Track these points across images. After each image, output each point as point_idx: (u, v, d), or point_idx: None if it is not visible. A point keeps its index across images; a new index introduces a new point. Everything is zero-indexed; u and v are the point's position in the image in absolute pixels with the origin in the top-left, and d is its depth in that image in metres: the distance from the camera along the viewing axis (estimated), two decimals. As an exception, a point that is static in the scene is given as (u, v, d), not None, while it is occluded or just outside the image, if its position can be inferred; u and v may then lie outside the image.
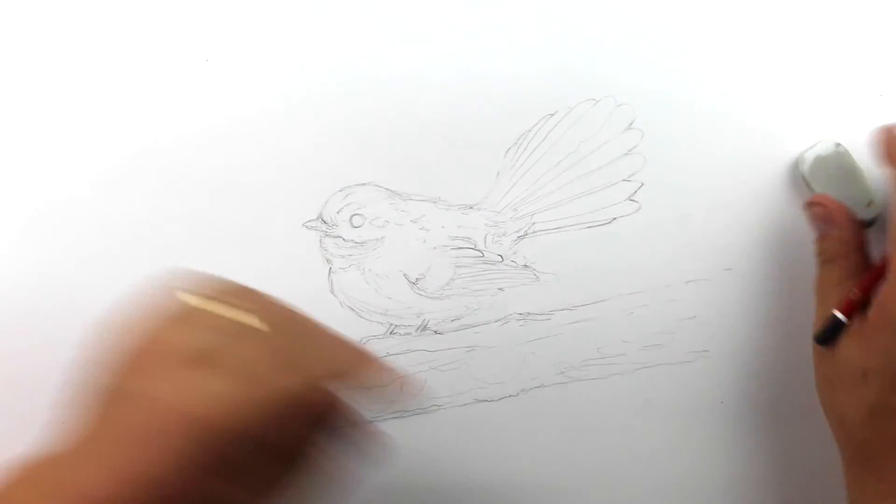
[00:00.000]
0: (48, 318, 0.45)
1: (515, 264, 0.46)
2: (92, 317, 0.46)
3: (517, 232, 0.47)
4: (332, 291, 0.46)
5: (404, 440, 0.46)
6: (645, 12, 0.46)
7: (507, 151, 0.46)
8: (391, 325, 0.46)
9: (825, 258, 0.43)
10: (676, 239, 0.47)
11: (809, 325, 0.46)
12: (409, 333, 0.46)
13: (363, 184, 0.46)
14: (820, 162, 0.45)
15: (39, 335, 0.45)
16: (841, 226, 0.43)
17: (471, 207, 0.46)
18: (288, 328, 0.33)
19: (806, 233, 0.46)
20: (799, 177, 0.46)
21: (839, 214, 0.43)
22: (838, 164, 0.45)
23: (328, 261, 0.46)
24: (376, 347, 0.46)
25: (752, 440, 0.48)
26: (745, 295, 0.47)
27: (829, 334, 0.38)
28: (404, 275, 0.46)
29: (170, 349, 0.31)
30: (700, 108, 0.46)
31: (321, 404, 0.32)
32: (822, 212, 0.43)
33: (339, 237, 0.46)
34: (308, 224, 0.46)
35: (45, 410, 0.42)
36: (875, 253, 0.44)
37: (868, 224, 0.45)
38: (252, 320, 0.32)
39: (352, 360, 0.34)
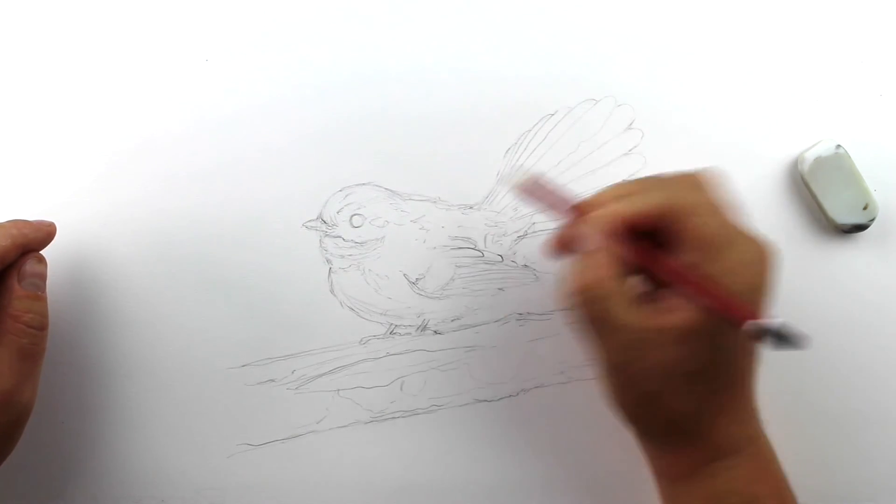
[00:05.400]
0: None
1: (515, 264, 0.47)
2: (92, 314, 0.46)
3: (517, 232, 0.47)
4: (332, 291, 0.46)
5: (404, 440, 0.46)
6: (645, 13, 0.46)
7: (507, 151, 0.46)
8: (391, 325, 0.46)
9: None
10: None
11: (810, 324, 0.46)
12: (409, 333, 0.46)
13: (363, 184, 0.46)
14: (819, 163, 0.45)
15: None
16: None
17: (471, 207, 0.46)
18: None
19: (805, 233, 0.46)
20: (798, 177, 0.46)
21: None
22: (837, 166, 0.45)
23: (328, 261, 0.46)
24: (376, 347, 0.46)
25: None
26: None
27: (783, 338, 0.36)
28: (404, 275, 0.46)
29: None
30: (700, 108, 0.46)
31: None
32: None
33: (339, 237, 0.46)
34: (308, 224, 0.46)
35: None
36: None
37: (863, 227, 0.46)
38: None
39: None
